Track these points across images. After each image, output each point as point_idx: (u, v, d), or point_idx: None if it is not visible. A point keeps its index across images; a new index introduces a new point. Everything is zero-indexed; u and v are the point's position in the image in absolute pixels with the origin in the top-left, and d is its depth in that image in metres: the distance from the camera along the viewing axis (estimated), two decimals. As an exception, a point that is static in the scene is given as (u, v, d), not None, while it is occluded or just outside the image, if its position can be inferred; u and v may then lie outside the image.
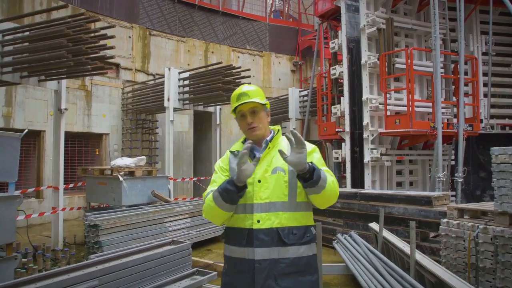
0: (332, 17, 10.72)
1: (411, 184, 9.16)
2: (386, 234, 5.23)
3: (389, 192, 6.25)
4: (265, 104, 2.34)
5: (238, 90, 2.36)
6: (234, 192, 2.07)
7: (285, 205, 2.20)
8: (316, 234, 2.41)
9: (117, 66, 11.95)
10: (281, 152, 2.02)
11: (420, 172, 9.25)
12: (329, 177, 2.16)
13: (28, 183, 10.00)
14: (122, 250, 4.82)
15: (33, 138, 10.20)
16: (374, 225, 5.75)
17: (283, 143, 2.33)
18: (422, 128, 7.71)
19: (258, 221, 2.16)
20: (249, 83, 2.63)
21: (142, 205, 7.16)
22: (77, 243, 7.31)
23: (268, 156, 2.26)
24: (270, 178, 2.20)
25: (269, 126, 2.44)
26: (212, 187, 2.23)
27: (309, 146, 2.29)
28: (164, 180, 8.07)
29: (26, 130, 5.14)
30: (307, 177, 2.06)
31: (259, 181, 2.20)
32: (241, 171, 2.03)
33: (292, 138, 2.01)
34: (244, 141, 2.40)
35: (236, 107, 2.33)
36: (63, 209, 6.98)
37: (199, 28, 14.32)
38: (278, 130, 2.40)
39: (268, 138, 2.33)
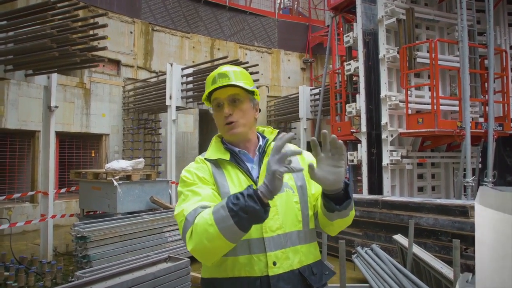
0: (345, 9, 10.04)
1: (433, 189, 8.44)
2: (416, 249, 4.53)
3: (416, 200, 5.54)
4: (252, 93, 1.64)
5: (215, 71, 1.66)
6: (260, 212, 1.28)
7: (301, 235, 1.57)
8: (340, 252, 1.75)
9: (118, 63, 11.35)
10: (311, 167, 1.35)
11: (443, 176, 8.52)
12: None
13: (21, 186, 9.42)
14: (110, 267, 4.20)
15: (27, 139, 9.62)
16: (399, 238, 5.05)
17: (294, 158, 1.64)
18: (448, 128, 6.99)
19: (274, 264, 1.48)
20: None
21: (139, 212, 6.52)
22: (69, 253, 6.69)
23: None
24: (278, 199, 1.50)
25: (257, 127, 1.76)
26: (198, 204, 1.43)
27: (309, 155, 1.67)
28: (164, 184, 7.43)
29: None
30: (341, 198, 1.46)
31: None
32: (278, 177, 1.27)
33: (327, 143, 1.36)
34: (222, 143, 1.69)
35: (210, 94, 1.64)
36: (53, 217, 6.35)
37: (204, 24, 13.68)
38: (268, 134, 1.75)
39: (261, 143, 1.67)
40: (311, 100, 12.65)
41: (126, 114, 11.39)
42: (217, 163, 1.63)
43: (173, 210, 6.64)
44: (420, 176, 8.39)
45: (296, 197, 1.58)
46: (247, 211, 1.27)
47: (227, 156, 1.62)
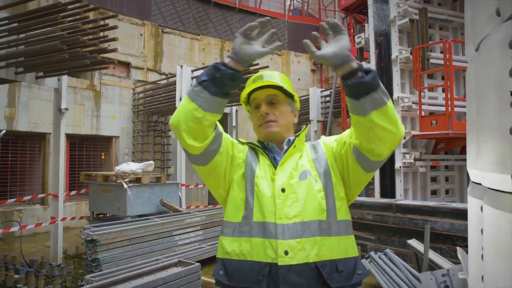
0: (357, 10, 9.94)
1: (447, 192, 8.28)
2: (432, 255, 4.41)
3: (431, 203, 5.41)
4: (291, 97, 1.65)
5: (256, 74, 1.71)
6: (218, 68, 1.41)
7: (324, 226, 1.47)
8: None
9: (128, 65, 11.35)
10: (307, 45, 1.38)
11: (457, 179, 8.35)
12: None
13: (32, 188, 9.45)
14: (120, 271, 4.16)
15: (38, 141, 9.65)
16: (413, 243, 4.92)
17: (306, 146, 1.66)
18: (463, 130, 6.85)
19: (286, 253, 1.41)
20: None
21: (149, 215, 6.47)
22: (79, 256, 6.66)
23: (292, 158, 1.57)
24: (298, 186, 1.48)
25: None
26: None
27: (331, 138, 1.69)
28: (174, 187, 7.37)
29: (4, 131, 4.45)
30: (357, 75, 1.34)
31: (283, 190, 1.48)
32: (242, 46, 1.43)
33: (326, 26, 1.38)
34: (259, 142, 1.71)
35: (249, 95, 1.65)
36: (63, 219, 6.33)
37: (214, 26, 13.66)
38: (306, 127, 1.71)
39: (291, 138, 1.65)
40: (321, 102, 12.54)
41: (136, 117, 11.38)
42: (252, 150, 1.68)
43: (182, 214, 6.60)
44: (434, 179, 8.24)
45: (319, 185, 1.52)
46: (213, 73, 1.40)
47: (259, 145, 1.67)
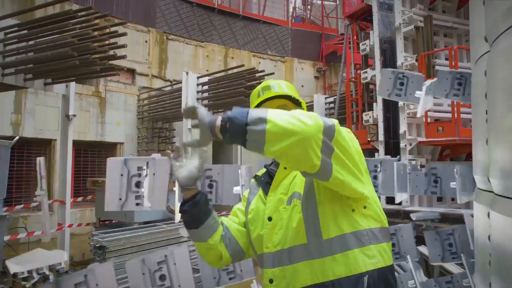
0: (361, 17, 9.97)
1: (452, 199, 8.25)
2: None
3: (440, 209, 5.42)
4: (299, 105, 1.60)
5: (260, 85, 1.67)
6: (186, 211, 1.50)
7: (310, 249, 1.37)
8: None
9: (133, 71, 11.41)
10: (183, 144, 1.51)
11: (462, 185, 8.33)
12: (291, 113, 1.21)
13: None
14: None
15: (43, 147, 9.67)
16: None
17: None
18: (469, 137, 6.84)
19: (271, 281, 1.43)
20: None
21: (156, 221, 6.47)
22: (85, 262, 6.66)
23: (287, 179, 1.50)
24: (285, 212, 1.44)
25: None
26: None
27: None
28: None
29: (17, 138, 4.49)
30: (224, 132, 1.20)
31: (270, 219, 1.46)
32: (175, 169, 1.49)
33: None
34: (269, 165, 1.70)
35: (257, 106, 1.60)
36: (70, 226, 6.33)
37: (218, 33, 13.72)
38: None
39: None
40: (325, 109, 12.56)
41: (140, 123, 11.41)
42: (258, 180, 1.69)
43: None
44: (439, 186, 8.22)
45: (299, 204, 1.44)
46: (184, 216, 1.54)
47: (260, 173, 1.69)
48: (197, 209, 1.49)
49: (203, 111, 1.28)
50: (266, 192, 1.56)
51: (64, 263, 5.54)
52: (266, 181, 1.60)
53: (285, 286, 1.40)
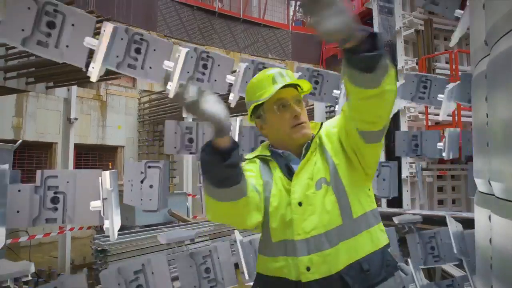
0: (362, 21, 9.99)
1: (453, 202, 8.27)
2: (445, 265, 4.40)
3: (441, 213, 5.42)
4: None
5: (266, 73, 1.54)
6: (218, 165, 1.21)
7: (342, 230, 1.39)
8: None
9: (134, 75, 11.43)
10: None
11: (463, 189, 8.33)
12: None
13: (38, 198, 9.46)
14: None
15: (44, 151, 9.69)
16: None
17: (323, 139, 1.53)
18: (470, 140, 6.86)
19: (308, 269, 1.36)
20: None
21: (157, 225, 6.48)
22: (86, 266, 6.65)
23: (309, 164, 1.46)
24: (315, 197, 1.40)
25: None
26: None
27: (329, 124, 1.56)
28: (182, 197, 7.40)
29: (20, 141, 4.49)
30: (364, 46, 1.12)
31: (300, 204, 1.40)
32: (211, 111, 1.17)
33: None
34: (269, 147, 1.61)
35: (271, 95, 1.49)
36: (71, 229, 6.33)
37: (219, 36, 13.77)
38: (316, 126, 1.58)
39: (309, 141, 1.52)
40: (326, 112, 12.55)
41: (141, 126, 11.43)
42: (264, 161, 1.57)
43: (191, 224, 6.60)
44: (440, 189, 8.23)
45: (330, 189, 1.43)
46: (207, 164, 1.24)
47: (267, 153, 1.56)
48: (235, 164, 1.24)
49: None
50: (288, 177, 1.48)
51: (31, 274, 5.51)
52: (285, 164, 1.52)
53: (326, 270, 1.37)
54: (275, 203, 1.46)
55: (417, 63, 7.60)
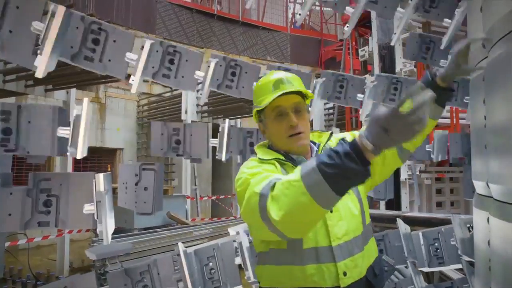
0: (360, 23, 10.01)
1: (452, 204, 8.28)
2: (443, 267, 4.39)
3: (439, 215, 5.43)
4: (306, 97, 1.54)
5: (270, 77, 1.51)
6: (360, 173, 1.07)
7: (364, 236, 1.50)
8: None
9: (133, 78, 11.44)
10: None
11: (462, 191, 8.34)
12: None
13: (37, 201, 9.44)
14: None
15: (43, 153, 9.67)
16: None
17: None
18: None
19: (345, 274, 1.38)
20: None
21: (156, 228, 6.47)
22: (85, 268, 6.63)
23: None
24: (340, 203, 1.37)
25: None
26: (270, 178, 1.28)
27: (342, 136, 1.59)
28: (181, 199, 7.39)
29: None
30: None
31: (331, 211, 1.42)
32: (418, 116, 1.01)
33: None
34: (269, 146, 1.59)
35: (268, 103, 1.49)
36: (70, 232, 6.33)
37: (218, 39, 13.80)
38: (321, 135, 1.64)
39: (316, 148, 1.56)
40: (324, 115, 12.58)
41: (140, 129, 11.43)
42: (280, 165, 1.52)
43: (190, 226, 6.59)
44: (439, 191, 8.24)
45: (354, 197, 1.50)
46: (345, 173, 1.06)
47: (281, 157, 1.53)
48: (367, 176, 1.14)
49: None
50: None
51: (29, 277, 5.50)
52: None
53: (357, 274, 1.42)
54: None
55: (415, 66, 7.61)
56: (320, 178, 1.08)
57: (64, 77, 5.33)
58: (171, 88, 11.99)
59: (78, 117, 2.30)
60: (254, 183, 1.31)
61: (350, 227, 1.45)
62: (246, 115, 9.76)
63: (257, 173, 1.36)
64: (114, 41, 2.34)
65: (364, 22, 9.85)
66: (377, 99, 3.91)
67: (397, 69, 7.90)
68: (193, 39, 13.13)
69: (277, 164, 1.50)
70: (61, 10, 2.08)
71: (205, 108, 9.56)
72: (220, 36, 13.88)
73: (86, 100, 2.23)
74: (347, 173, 1.06)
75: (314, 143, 1.63)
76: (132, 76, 2.40)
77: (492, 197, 1.45)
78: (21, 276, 5.76)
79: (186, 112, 9.37)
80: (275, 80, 1.51)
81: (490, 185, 1.45)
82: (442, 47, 3.94)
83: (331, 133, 1.63)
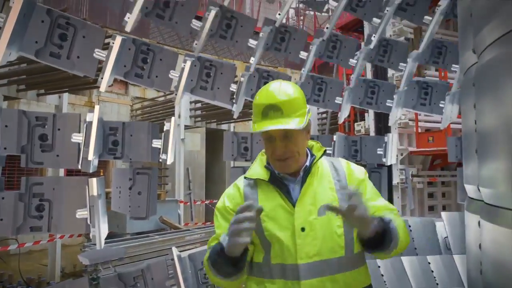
0: (353, 28, 10.11)
1: (444, 208, 8.33)
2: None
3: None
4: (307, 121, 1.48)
5: (264, 96, 1.48)
6: (226, 266, 1.40)
7: (343, 262, 1.45)
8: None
9: (126, 82, 11.40)
10: (330, 208, 1.34)
11: (453, 194, 8.40)
12: (400, 225, 1.46)
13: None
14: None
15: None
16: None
17: (323, 167, 1.55)
18: (460, 147, 6.93)
19: None
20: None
21: (149, 232, 6.44)
22: (77, 274, 6.58)
23: (310, 189, 1.49)
24: (317, 223, 1.44)
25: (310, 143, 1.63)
26: (215, 240, 1.53)
27: (359, 171, 1.57)
28: (173, 204, 7.37)
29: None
30: (374, 240, 1.42)
31: (303, 229, 1.43)
32: (233, 238, 1.32)
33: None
34: (268, 164, 1.58)
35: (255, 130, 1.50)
36: (61, 237, 6.28)
37: (211, 43, 13.82)
38: (316, 151, 1.60)
39: (308, 163, 1.54)
40: (318, 119, 12.62)
41: (133, 133, 11.39)
42: (254, 183, 1.57)
43: (182, 231, 6.57)
44: (431, 195, 8.29)
45: (339, 220, 1.47)
46: (216, 263, 1.41)
47: (266, 177, 1.55)
48: (241, 267, 1.44)
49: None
50: (291, 201, 1.50)
51: (19, 283, 5.45)
52: (285, 189, 1.53)
53: None
54: (275, 228, 1.48)
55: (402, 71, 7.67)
56: (210, 266, 1.45)
57: (56, 81, 5.31)
58: (164, 92, 11.98)
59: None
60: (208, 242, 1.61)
61: (325, 247, 1.45)
62: (240, 120, 9.78)
63: (216, 228, 1.59)
64: (84, 36, 2.27)
65: (356, 28, 9.95)
66: (355, 103, 3.97)
67: (389, 74, 7.96)
68: (186, 43, 13.13)
69: (243, 190, 1.59)
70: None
71: (198, 112, 9.55)
72: (214, 41, 13.90)
73: (97, 108, 2.24)
74: (218, 264, 1.42)
75: (312, 155, 1.62)
76: (101, 75, 2.34)
77: (482, 200, 1.46)
78: (12, 282, 5.70)
79: (179, 116, 9.35)
80: (265, 106, 1.46)
81: (480, 189, 1.46)
82: (419, 50, 4.01)
83: (325, 150, 1.63)
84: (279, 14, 3.40)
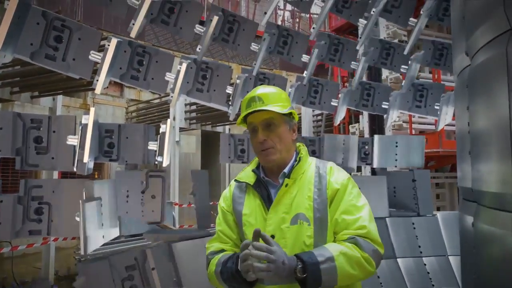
0: (347, 31, 10.15)
1: (438, 209, 8.36)
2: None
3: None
4: (289, 114, 1.55)
5: (250, 93, 1.59)
6: (243, 285, 1.46)
7: None
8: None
9: (121, 84, 11.38)
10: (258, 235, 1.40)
11: (447, 196, 8.45)
12: (348, 260, 1.39)
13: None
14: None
15: (29, 160, 9.54)
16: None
17: (309, 173, 1.55)
18: (453, 148, 6.97)
19: None
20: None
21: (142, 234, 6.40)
22: (71, 277, 6.55)
23: (287, 196, 1.50)
24: (288, 232, 1.46)
25: (297, 145, 1.66)
26: (211, 249, 1.65)
27: (338, 178, 1.53)
28: (168, 206, 7.31)
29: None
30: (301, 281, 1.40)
31: (273, 237, 1.45)
32: (244, 274, 1.40)
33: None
34: (257, 168, 1.62)
35: (246, 117, 1.57)
36: (55, 239, 6.24)
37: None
38: (300, 155, 1.60)
39: (285, 170, 1.55)
40: (313, 121, 12.64)
41: (128, 135, 11.37)
42: (245, 185, 1.63)
43: (177, 232, 6.52)
44: (425, 197, 8.31)
45: (310, 230, 1.47)
46: (232, 280, 1.47)
47: (252, 181, 1.60)
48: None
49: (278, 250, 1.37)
50: (267, 206, 1.54)
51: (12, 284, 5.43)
52: (266, 194, 1.58)
53: None
54: (249, 232, 1.51)
55: (401, 74, 7.70)
56: (220, 277, 1.52)
57: (50, 83, 5.29)
58: (159, 94, 11.97)
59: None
60: (210, 242, 1.69)
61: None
62: (235, 122, 9.76)
63: (216, 225, 1.67)
64: (79, 38, 2.27)
65: (351, 30, 9.99)
66: (351, 105, 4.00)
67: (383, 76, 8.00)
68: (182, 46, 13.13)
69: (233, 190, 1.67)
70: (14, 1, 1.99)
71: (194, 114, 9.55)
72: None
73: (92, 110, 2.24)
74: (233, 282, 1.48)
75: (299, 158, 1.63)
76: (96, 77, 2.35)
77: (476, 202, 1.47)
78: (5, 285, 5.66)
79: (174, 119, 9.34)
80: (249, 99, 1.57)
81: (474, 190, 1.48)
82: (405, 52, 4.04)
83: (311, 155, 1.69)
84: (265, 13, 3.43)
